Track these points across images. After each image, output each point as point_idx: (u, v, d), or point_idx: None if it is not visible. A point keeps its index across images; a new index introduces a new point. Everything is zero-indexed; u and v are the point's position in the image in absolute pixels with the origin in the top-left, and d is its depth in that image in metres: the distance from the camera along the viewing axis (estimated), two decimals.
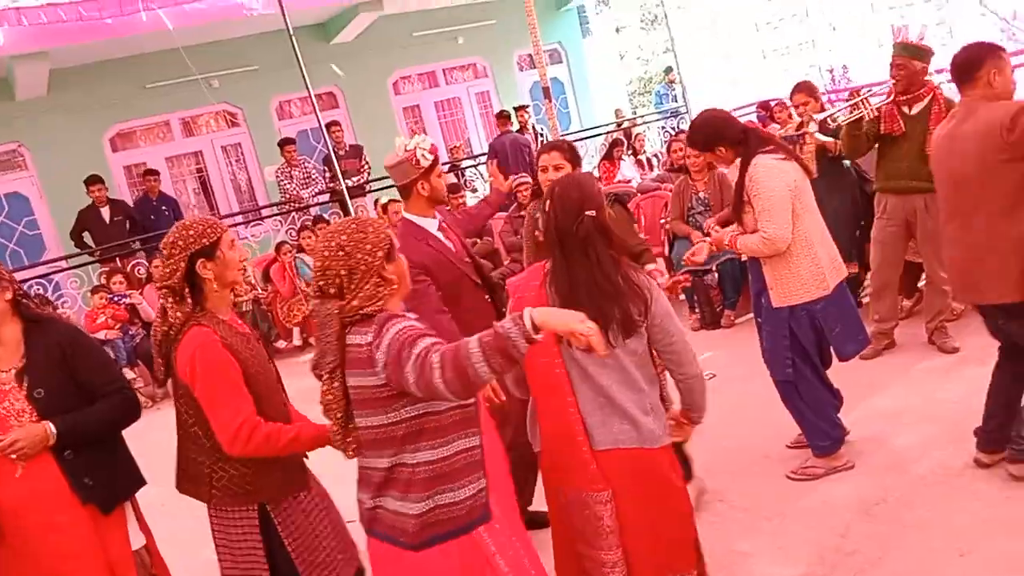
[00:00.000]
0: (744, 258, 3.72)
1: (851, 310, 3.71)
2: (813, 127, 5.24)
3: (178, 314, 2.42)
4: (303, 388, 2.84)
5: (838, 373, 3.89)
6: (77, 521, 2.57)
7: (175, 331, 2.42)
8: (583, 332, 1.84)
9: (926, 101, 4.54)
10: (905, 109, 4.59)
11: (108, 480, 2.65)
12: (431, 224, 3.36)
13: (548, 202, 2.47)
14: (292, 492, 2.54)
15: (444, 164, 11.62)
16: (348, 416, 2.07)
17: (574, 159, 3.48)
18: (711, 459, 3.73)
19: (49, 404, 2.54)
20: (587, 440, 2.41)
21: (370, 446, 2.06)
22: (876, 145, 4.82)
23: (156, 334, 2.48)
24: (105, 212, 9.16)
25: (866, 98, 4.70)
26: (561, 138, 3.94)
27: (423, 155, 3.26)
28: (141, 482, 2.78)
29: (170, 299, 2.43)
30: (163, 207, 9.69)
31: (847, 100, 4.66)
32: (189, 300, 2.43)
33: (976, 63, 3.18)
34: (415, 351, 1.88)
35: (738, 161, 3.55)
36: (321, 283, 2.05)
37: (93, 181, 9.14)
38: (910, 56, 4.51)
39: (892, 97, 4.61)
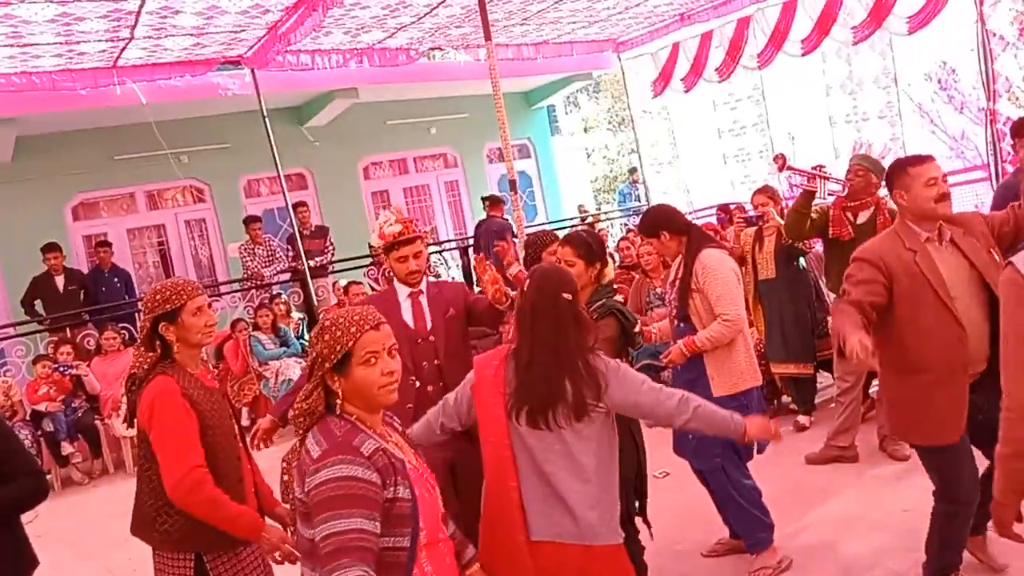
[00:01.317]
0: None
1: (763, 404, 3.87)
2: (773, 212, 5.42)
3: (141, 362, 2.57)
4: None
5: (789, 476, 3.87)
6: None
7: (140, 378, 2.57)
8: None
9: (871, 211, 4.71)
10: (851, 216, 4.74)
11: (7, 563, 2.69)
12: (402, 292, 3.42)
13: (527, 283, 2.56)
14: (231, 547, 2.56)
15: None
16: None
17: (589, 256, 3.34)
18: (664, 562, 3.65)
19: None
20: (525, 529, 2.36)
21: (303, 554, 1.96)
22: (822, 244, 4.95)
23: (127, 381, 2.64)
24: (59, 281, 9.00)
25: (824, 177, 4.82)
26: (580, 230, 3.90)
27: (373, 240, 3.39)
28: (35, 563, 2.79)
29: (140, 348, 2.62)
30: (115, 279, 9.54)
31: (808, 181, 4.78)
32: (158, 352, 2.59)
33: (889, 183, 3.17)
34: (330, 531, 1.73)
35: (680, 259, 3.75)
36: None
37: (51, 249, 9.00)
38: (870, 168, 4.69)
39: (845, 191, 4.76)
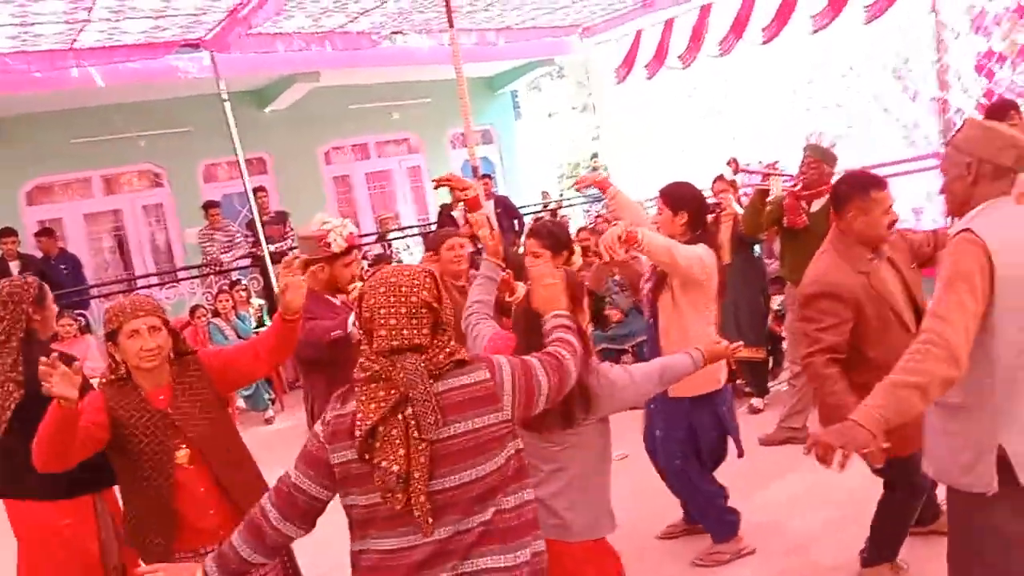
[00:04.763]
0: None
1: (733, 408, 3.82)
2: (731, 198, 5.55)
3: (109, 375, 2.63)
4: None
5: (744, 457, 3.98)
6: None
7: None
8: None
9: (825, 199, 4.82)
10: (805, 204, 4.86)
11: None
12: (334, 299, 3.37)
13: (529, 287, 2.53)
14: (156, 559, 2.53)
15: (370, 235, 11.64)
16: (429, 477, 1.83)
17: (555, 246, 3.41)
18: (616, 540, 3.72)
19: None
20: None
21: (464, 507, 1.85)
22: (778, 234, 5.08)
23: None
24: (14, 267, 8.83)
25: (777, 174, 4.96)
26: (545, 221, 3.85)
27: (336, 240, 3.23)
28: None
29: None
30: (62, 266, 9.37)
31: (762, 179, 4.93)
32: (122, 371, 2.60)
33: (843, 199, 3.02)
34: (547, 361, 2.04)
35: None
36: (396, 343, 1.83)
37: (6, 233, 8.82)
38: (821, 159, 4.80)
39: (798, 186, 4.87)
